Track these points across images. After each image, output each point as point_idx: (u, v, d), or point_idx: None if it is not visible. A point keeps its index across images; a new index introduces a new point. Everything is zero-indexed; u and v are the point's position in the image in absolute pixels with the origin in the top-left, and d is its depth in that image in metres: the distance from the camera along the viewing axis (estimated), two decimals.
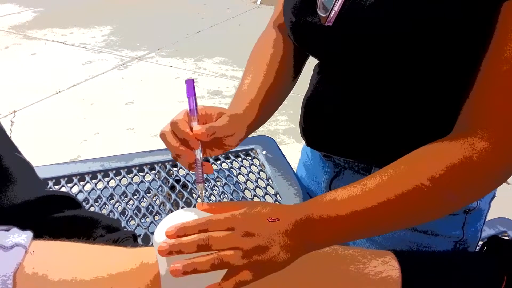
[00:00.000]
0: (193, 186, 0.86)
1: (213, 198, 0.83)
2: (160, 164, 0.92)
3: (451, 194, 0.49)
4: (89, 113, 2.88)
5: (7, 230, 0.50)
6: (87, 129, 2.69)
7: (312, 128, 0.72)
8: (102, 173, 0.89)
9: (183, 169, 0.91)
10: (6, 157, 0.56)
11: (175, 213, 0.55)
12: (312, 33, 0.61)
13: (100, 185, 0.86)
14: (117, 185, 0.86)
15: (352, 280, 0.55)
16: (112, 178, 0.88)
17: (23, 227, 0.50)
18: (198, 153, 0.52)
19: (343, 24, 0.56)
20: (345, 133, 0.67)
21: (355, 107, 0.64)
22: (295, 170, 0.90)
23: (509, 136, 0.48)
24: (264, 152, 0.95)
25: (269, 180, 0.87)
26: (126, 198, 0.82)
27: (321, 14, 0.58)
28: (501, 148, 0.48)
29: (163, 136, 0.53)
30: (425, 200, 0.49)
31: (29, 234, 0.50)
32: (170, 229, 0.44)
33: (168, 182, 0.87)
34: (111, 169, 0.90)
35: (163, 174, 0.89)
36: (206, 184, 0.86)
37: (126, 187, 0.85)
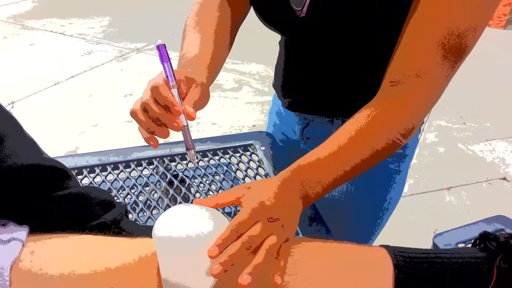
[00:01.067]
0: (190, 181, 0.85)
1: (211, 193, 0.83)
2: (158, 159, 0.91)
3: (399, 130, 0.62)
4: (88, 105, 2.87)
5: (4, 225, 0.50)
6: (85, 121, 2.68)
7: (287, 94, 0.89)
8: (100, 167, 0.89)
9: (181, 164, 0.90)
10: None
11: (175, 208, 0.55)
12: (286, 22, 0.74)
13: (98, 179, 0.85)
14: (115, 179, 0.85)
15: (347, 272, 0.55)
16: (110, 172, 0.87)
17: (24, 205, 0.49)
18: (184, 119, 0.55)
19: (313, 14, 0.69)
20: (313, 97, 0.84)
21: (320, 75, 0.80)
22: None
23: (432, 77, 0.60)
24: (262, 148, 0.95)
25: (268, 176, 0.87)
26: (124, 192, 0.82)
27: (296, 7, 0.70)
28: (431, 81, 0.61)
29: (133, 114, 0.56)
30: (381, 139, 0.61)
31: (25, 229, 0.49)
32: (213, 250, 0.46)
33: (166, 177, 0.87)
34: (109, 163, 0.89)
35: (161, 169, 0.89)
36: (204, 179, 0.86)
37: (124, 181, 0.85)
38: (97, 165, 0.89)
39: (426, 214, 2.16)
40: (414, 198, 2.31)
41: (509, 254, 0.56)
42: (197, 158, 0.92)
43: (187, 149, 0.55)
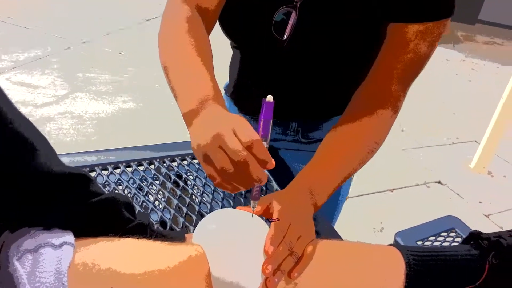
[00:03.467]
0: (195, 182, 0.88)
1: (216, 194, 0.85)
2: (158, 159, 0.93)
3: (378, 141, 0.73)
4: None
5: (48, 230, 0.49)
6: None
7: (246, 101, 0.94)
8: (100, 167, 0.88)
9: (183, 165, 0.92)
10: (16, 120, 0.45)
11: (218, 212, 0.58)
12: (267, 48, 0.81)
13: (100, 180, 0.85)
14: (118, 179, 0.85)
15: (360, 270, 0.61)
16: (111, 173, 0.87)
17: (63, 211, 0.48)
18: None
19: (294, 42, 0.76)
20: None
21: (284, 82, 0.87)
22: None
23: (398, 98, 0.73)
24: None
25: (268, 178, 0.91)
26: (129, 194, 0.83)
27: (278, 36, 0.75)
28: (395, 104, 0.73)
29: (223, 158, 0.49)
30: (366, 149, 0.72)
31: (70, 233, 0.49)
32: (269, 247, 0.52)
33: (170, 178, 0.88)
34: (109, 163, 0.89)
35: (164, 170, 0.90)
36: (209, 180, 0.88)
37: (128, 181, 0.85)
38: (97, 165, 0.88)
39: (373, 214, 2.31)
40: (361, 198, 2.46)
41: (499, 251, 0.65)
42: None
43: (255, 198, 0.55)
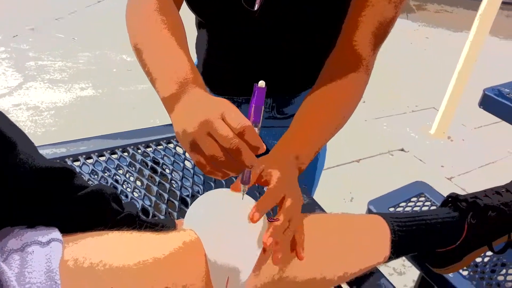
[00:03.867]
0: (173, 166, 0.86)
1: (196, 178, 0.84)
2: (132, 146, 0.90)
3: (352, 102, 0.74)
4: None
5: (32, 228, 0.46)
6: None
7: (219, 80, 0.92)
8: (71, 158, 0.85)
9: (159, 151, 0.90)
10: None
11: (207, 194, 0.57)
12: (237, 22, 0.79)
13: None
14: (92, 170, 0.83)
15: (349, 241, 0.63)
16: (84, 163, 0.84)
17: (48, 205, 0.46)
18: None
19: (265, 13, 0.75)
20: (246, 81, 0.84)
21: (256, 57, 0.86)
22: None
23: (368, 62, 0.73)
24: None
25: None
26: (106, 184, 0.80)
27: (249, 7, 0.74)
28: (367, 66, 0.74)
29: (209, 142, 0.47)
30: (344, 110, 0.72)
31: (55, 229, 0.47)
32: (255, 215, 0.50)
33: (147, 164, 0.86)
34: (80, 154, 0.86)
35: (139, 157, 0.88)
36: (187, 164, 0.87)
37: (102, 171, 0.83)
38: (68, 156, 0.85)
39: (342, 185, 2.37)
40: (329, 171, 2.50)
41: (477, 211, 0.68)
42: (174, 144, 0.93)
43: (245, 183, 0.53)
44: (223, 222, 0.52)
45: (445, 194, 1.43)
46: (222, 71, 0.92)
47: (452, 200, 0.72)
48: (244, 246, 0.51)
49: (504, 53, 4.50)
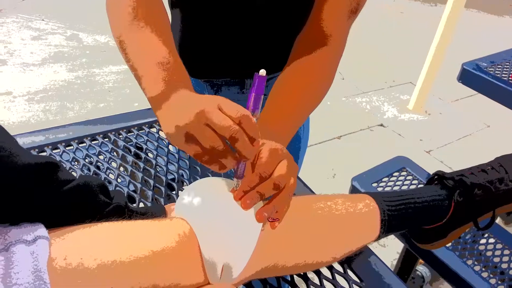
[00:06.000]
0: (157, 151, 0.84)
1: (182, 162, 0.83)
2: (114, 132, 0.88)
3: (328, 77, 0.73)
4: None
5: (16, 225, 0.44)
6: None
7: (196, 63, 0.89)
8: (50, 146, 0.82)
9: (141, 135, 0.88)
10: None
11: (195, 185, 0.56)
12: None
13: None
14: (73, 157, 0.80)
15: (341, 219, 0.63)
16: (64, 151, 0.82)
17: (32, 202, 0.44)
18: None
19: None
20: (225, 61, 0.88)
21: (232, 39, 0.85)
22: None
23: (340, 35, 0.72)
24: None
25: None
26: (88, 173, 0.78)
27: None
28: (341, 39, 0.72)
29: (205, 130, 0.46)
30: (320, 85, 0.71)
31: (41, 225, 0.45)
32: (237, 194, 0.49)
33: (130, 150, 0.84)
34: (59, 141, 0.83)
35: (121, 143, 0.85)
36: (172, 148, 0.86)
37: (84, 159, 0.80)
38: (47, 145, 0.82)
39: (324, 162, 2.39)
40: (311, 149, 2.52)
41: (463, 189, 0.69)
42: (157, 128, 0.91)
43: (239, 177, 0.52)
44: (216, 212, 0.51)
45: (425, 167, 1.46)
46: (198, 52, 0.89)
47: (439, 178, 0.72)
48: (238, 235, 0.50)
49: (480, 26, 4.56)
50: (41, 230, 0.43)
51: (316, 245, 0.58)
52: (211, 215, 0.50)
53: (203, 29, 0.86)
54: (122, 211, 0.53)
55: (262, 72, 0.48)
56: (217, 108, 0.45)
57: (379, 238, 0.65)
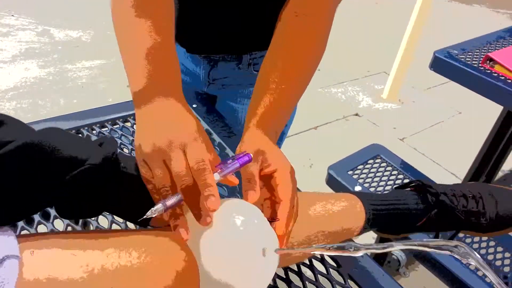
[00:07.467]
0: (132, 146, 0.84)
1: None
2: (87, 128, 0.87)
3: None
4: None
5: None
6: None
7: (194, 39, 0.90)
8: None
9: (115, 130, 0.88)
10: None
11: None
12: None
13: None
14: None
15: (325, 218, 0.64)
16: None
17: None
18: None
19: None
20: (223, 37, 0.88)
21: (229, 16, 0.85)
22: None
23: (329, 9, 0.70)
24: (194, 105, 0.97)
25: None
26: None
27: None
28: (329, 17, 0.70)
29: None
30: (308, 67, 0.69)
31: (12, 236, 0.39)
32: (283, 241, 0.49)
33: None
34: None
35: (95, 138, 0.85)
36: None
37: None
38: None
39: (301, 152, 2.41)
40: (288, 140, 2.54)
41: (440, 209, 0.71)
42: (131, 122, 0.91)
43: (165, 206, 0.46)
44: (216, 232, 0.45)
45: (399, 154, 1.49)
46: (195, 28, 0.89)
47: (422, 188, 0.73)
48: (241, 254, 0.45)
49: (451, 15, 4.65)
50: (10, 245, 0.38)
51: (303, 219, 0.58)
52: (210, 237, 0.45)
53: (200, 5, 0.85)
54: (99, 173, 0.45)
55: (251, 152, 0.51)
56: (181, 149, 0.45)
57: (364, 229, 0.67)
